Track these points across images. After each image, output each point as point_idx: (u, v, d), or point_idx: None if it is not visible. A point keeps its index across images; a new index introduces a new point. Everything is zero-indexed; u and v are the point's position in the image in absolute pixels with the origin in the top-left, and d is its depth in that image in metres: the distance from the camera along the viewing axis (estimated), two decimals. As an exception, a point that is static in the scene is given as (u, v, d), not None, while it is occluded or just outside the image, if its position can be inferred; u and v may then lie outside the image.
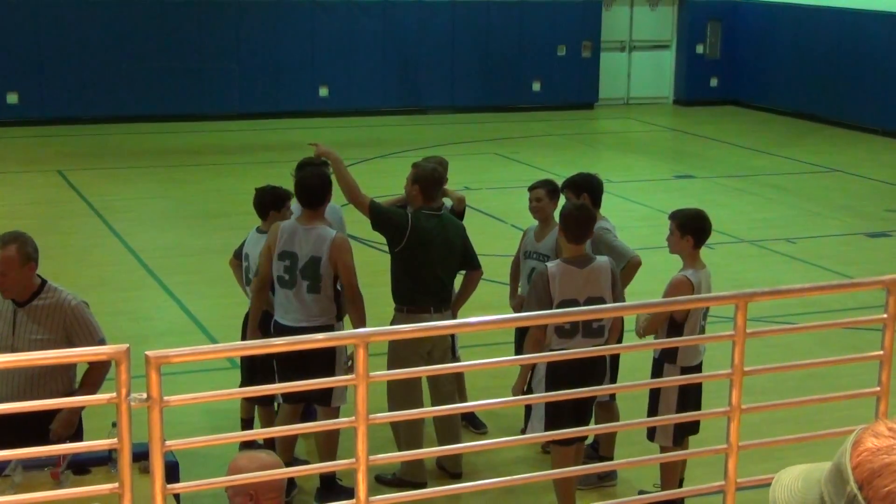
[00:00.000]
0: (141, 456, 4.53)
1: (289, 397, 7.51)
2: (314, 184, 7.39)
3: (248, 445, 7.51)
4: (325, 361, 7.06)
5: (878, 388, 4.78)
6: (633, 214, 14.80)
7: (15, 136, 20.33)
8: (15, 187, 16.57)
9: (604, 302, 6.78)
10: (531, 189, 8.26)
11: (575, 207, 7.08)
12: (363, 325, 7.14)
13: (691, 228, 7.04)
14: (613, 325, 7.00)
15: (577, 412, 6.79)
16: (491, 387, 8.81)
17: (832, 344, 9.93)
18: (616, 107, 25.38)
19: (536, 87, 24.46)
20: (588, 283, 6.82)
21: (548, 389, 6.65)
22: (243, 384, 7.90)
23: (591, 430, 7.48)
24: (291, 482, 7.56)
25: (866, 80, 22.22)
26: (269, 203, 8.03)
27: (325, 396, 7.46)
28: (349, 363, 7.30)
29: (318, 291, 7.32)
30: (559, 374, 6.66)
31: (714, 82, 25.76)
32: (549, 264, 6.94)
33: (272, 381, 7.13)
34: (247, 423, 8.17)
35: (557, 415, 6.71)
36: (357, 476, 3.95)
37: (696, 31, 25.62)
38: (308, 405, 8.02)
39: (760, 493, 5.70)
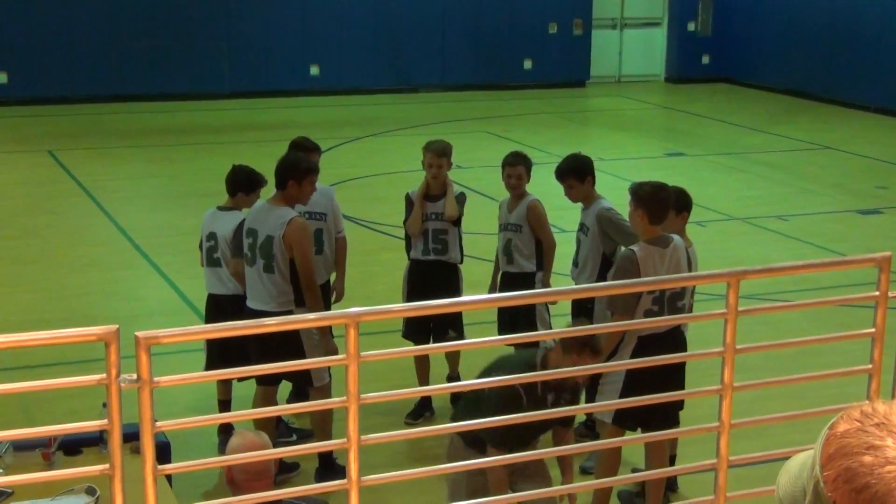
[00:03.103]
0: (132, 436, 4.52)
1: (262, 379, 7.50)
2: (279, 165, 7.46)
3: (227, 428, 7.54)
4: (289, 346, 6.92)
5: (871, 366, 4.78)
6: (624, 192, 14.78)
7: (4, 116, 20.24)
8: (4, 167, 16.50)
9: (685, 285, 6.67)
10: (510, 165, 8.26)
11: (659, 188, 6.83)
12: (318, 311, 7.05)
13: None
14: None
15: (645, 419, 6.63)
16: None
17: (824, 321, 9.94)
18: (607, 84, 25.33)
19: (528, 65, 24.40)
20: (672, 262, 6.67)
21: (624, 391, 6.54)
22: (212, 367, 7.76)
23: (572, 410, 7.49)
24: (292, 464, 7.56)
25: (859, 57, 22.19)
26: (241, 183, 8.03)
27: (303, 378, 7.42)
28: (316, 337, 7.31)
29: (272, 272, 7.29)
30: (637, 377, 6.43)
31: (706, 60, 25.71)
32: (635, 247, 6.72)
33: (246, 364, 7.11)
34: (224, 406, 8.14)
35: (625, 419, 6.64)
36: (349, 455, 3.94)
37: (687, 9, 25.55)
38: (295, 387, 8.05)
39: (752, 471, 5.71)
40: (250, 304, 7.43)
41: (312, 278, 7.31)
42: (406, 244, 8.62)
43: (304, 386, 7.59)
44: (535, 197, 8.30)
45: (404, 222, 8.51)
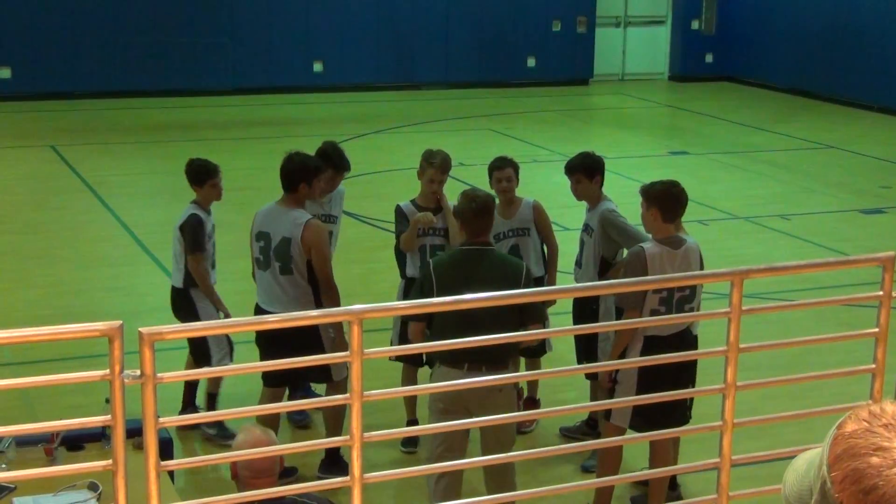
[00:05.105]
0: (135, 432, 4.52)
1: (270, 380, 7.45)
2: (288, 166, 7.38)
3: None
4: (309, 342, 6.88)
5: (874, 366, 4.77)
6: (628, 191, 14.73)
7: (8, 111, 20.23)
8: (8, 162, 16.50)
9: (695, 285, 6.63)
10: (498, 169, 7.98)
11: (670, 185, 6.84)
12: None
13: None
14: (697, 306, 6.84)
15: (656, 421, 6.62)
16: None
17: (827, 320, 9.93)
18: (611, 82, 25.31)
19: (531, 62, 24.38)
20: (682, 265, 6.63)
21: (639, 387, 6.51)
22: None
23: (561, 410, 7.48)
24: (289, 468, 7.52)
25: (862, 57, 22.17)
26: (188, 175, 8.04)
27: (324, 374, 7.43)
28: (332, 333, 7.27)
29: (290, 273, 7.25)
30: (652, 373, 6.40)
31: (709, 58, 25.68)
32: (646, 245, 6.71)
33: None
34: (212, 398, 8.16)
35: (644, 414, 6.63)
36: (352, 453, 3.94)
37: (691, 7, 25.53)
38: (299, 387, 8.01)
39: (755, 470, 5.71)
40: (266, 307, 7.31)
41: (331, 280, 7.28)
42: (398, 261, 8.17)
43: (324, 381, 7.55)
44: (531, 198, 8.15)
45: (397, 237, 8.03)
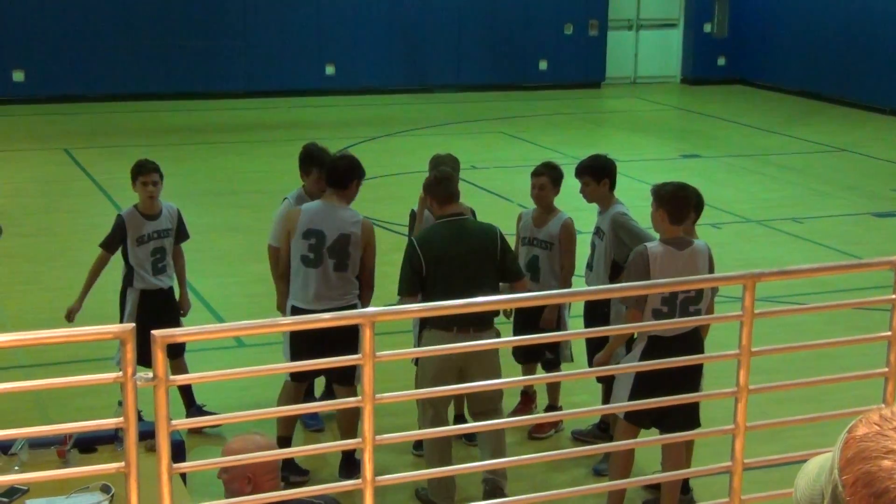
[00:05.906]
0: (147, 435, 4.53)
1: (297, 374, 7.46)
2: (342, 165, 7.49)
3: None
4: (350, 340, 6.93)
5: (887, 369, 4.76)
6: (640, 193, 14.71)
7: (21, 114, 20.30)
8: (21, 165, 16.55)
9: (702, 288, 6.64)
10: (535, 175, 8.05)
11: (679, 188, 6.86)
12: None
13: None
14: (708, 309, 6.81)
15: (659, 418, 6.64)
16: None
17: (840, 324, 9.90)
18: (623, 86, 25.30)
19: (543, 65, 24.38)
20: (687, 267, 6.62)
21: (634, 391, 6.51)
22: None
23: (576, 412, 7.47)
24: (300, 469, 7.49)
25: (875, 60, 22.13)
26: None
27: (347, 376, 7.45)
28: None
29: (345, 269, 7.36)
30: (649, 377, 6.36)
31: (722, 61, 25.66)
32: (650, 244, 6.73)
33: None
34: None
35: (639, 417, 6.67)
36: (364, 456, 3.94)
37: (703, 10, 25.51)
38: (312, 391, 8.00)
39: (768, 474, 5.70)
40: (309, 306, 7.27)
41: (374, 276, 7.60)
42: None
43: (350, 381, 7.55)
44: (567, 214, 8.12)
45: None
